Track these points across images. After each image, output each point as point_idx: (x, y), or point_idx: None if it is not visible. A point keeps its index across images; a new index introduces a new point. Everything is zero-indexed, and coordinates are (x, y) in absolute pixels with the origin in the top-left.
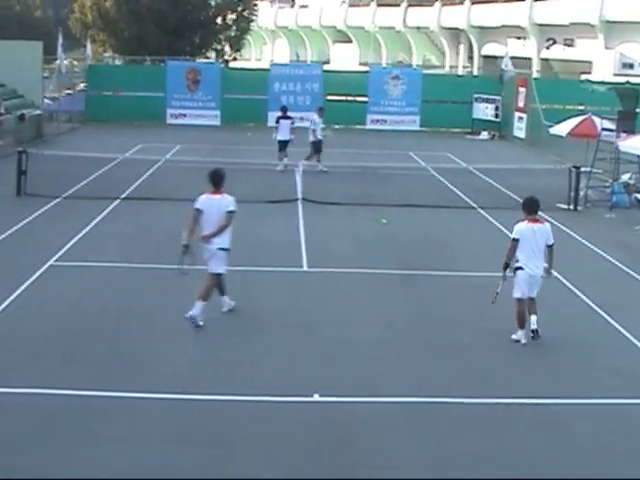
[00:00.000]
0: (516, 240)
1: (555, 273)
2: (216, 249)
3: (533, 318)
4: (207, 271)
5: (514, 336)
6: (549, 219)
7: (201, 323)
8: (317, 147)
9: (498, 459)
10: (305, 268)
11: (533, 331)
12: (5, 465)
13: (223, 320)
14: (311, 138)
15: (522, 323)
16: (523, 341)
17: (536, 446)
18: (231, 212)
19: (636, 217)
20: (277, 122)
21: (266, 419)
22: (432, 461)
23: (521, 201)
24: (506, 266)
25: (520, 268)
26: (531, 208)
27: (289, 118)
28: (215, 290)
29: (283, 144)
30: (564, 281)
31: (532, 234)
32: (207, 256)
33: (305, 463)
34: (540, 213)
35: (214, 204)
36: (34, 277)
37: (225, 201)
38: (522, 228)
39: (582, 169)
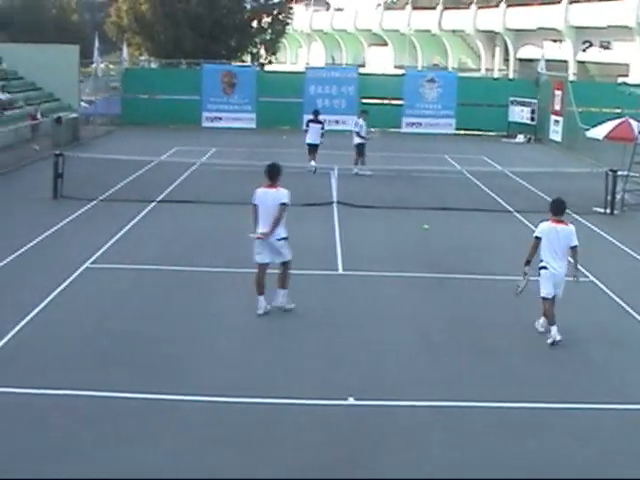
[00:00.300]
0: (538, 238)
1: (591, 277)
2: (275, 240)
3: (541, 321)
4: (277, 262)
5: (549, 340)
6: (585, 222)
7: (293, 305)
8: (361, 150)
9: (535, 464)
10: (340, 271)
11: (539, 330)
12: (40, 468)
13: (258, 323)
14: (356, 141)
15: (552, 320)
16: (558, 338)
17: (573, 451)
18: (284, 204)
19: None
20: (307, 125)
21: (300, 422)
22: (467, 465)
23: None
24: (527, 263)
25: (544, 267)
26: (557, 209)
27: (319, 122)
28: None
29: (312, 147)
30: (600, 285)
31: (555, 234)
32: (268, 249)
33: (340, 467)
34: (576, 216)
35: (269, 197)
36: (70, 279)
37: (279, 194)
38: (545, 228)
39: (619, 172)
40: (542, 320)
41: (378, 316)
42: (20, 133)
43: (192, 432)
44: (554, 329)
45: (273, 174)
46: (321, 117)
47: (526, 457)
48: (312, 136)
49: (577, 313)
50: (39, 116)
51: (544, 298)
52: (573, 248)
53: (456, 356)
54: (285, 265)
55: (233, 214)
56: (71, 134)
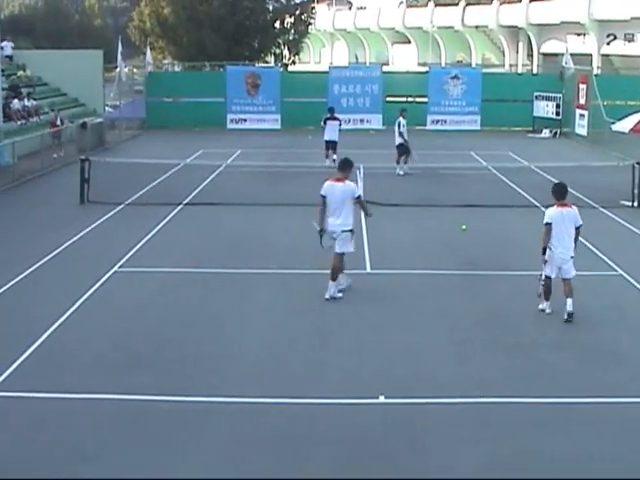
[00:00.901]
0: (549, 224)
1: (620, 270)
2: (340, 231)
3: (569, 301)
4: (334, 252)
5: (540, 306)
6: (613, 216)
7: (340, 295)
8: (405, 149)
9: (566, 459)
10: (368, 270)
11: (568, 314)
12: (70, 471)
13: (288, 324)
14: (398, 141)
15: (548, 296)
16: (548, 311)
17: (604, 447)
18: (359, 197)
19: None
20: (324, 123)
21: (331, 422)
22: (499, 462)
23: (584, 198)
24: (544, 251)
25: (549, 249)
26: (560, 194)
27: (336, 119)
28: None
29: (331, 144)
30: (629, 278)
31: (561, 218)
32: (334, 238)
33: (372, 465)
34: (604, 210)
35: (337, 191)
36: (99, 284)
37: (348, 188)
38: (552, 213)
39: None
40: (545, 303)
41: (407, 314)
42: (45, 139)
43: (223, 434)
44: (547, 303)
45: (343, 167)
46: (348, 116)
47: (557, 452)
48: (330, 133)
49: (606, 307)
50: (59, 122)
51: (547, 277)
52: (578, 228)
53: (486, 352)
54: (338, 256)
55: (260, 215)
56: (97, 139)
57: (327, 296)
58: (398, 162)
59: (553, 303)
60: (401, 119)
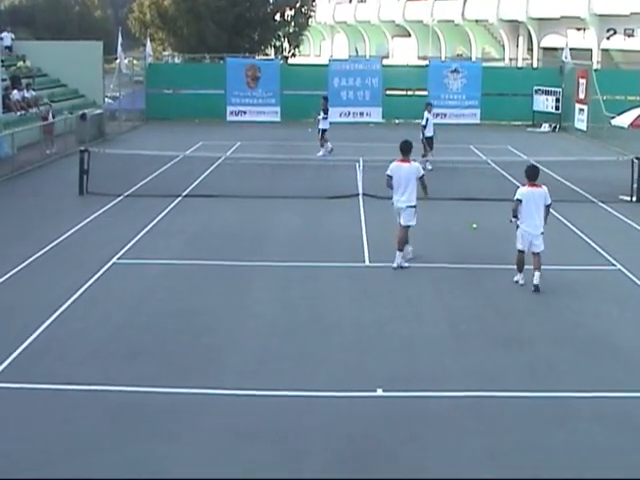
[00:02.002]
0: (519, 200)
1: (618, 265)
2: (405, 206)
3: (537, 274)
4: (400, 224)
5: (515, 278)
6: (612, 211)
7: (407, 264)
8: (429, 143)
9: (565, 454)
10: (367, 263)
11: (535, 286)
12: (72, 465)
13: (286, 316)
14: (423, 134)
15: (520, 268)
16: (521, 282)
17: (603, 441)
18: (422, 176)
19: None
20: (325, 113)
21: (329, 414)
22: (497, 456)
23: (583, 192)
24: (514, 216)
25: (519, 226)
26: (532, 175)
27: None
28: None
29: (326, 132)
30: (627, 273)
31: (532, 196)
32: (399, 212)
33: (369, 458)
34: (602, 205)
35: (402, 171)
36: (97, 275)
37: (412, 168)
38: (523, 191)
39: None
40: (519, 275)
41: (407, 307)
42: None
43: (220, 426)
44: (520, 275)
45: (405, 149)
46: (348, 109)
47: (555, 446)
48: (327, 122)
49: (604, 301)
50: (51, 117)
51: (519, 250)
52: (547, 207)
53: (485, 346)
54: (404, 228)
55: (259, 207)
56: (96, 130)
57: (395, 265)
58: (424, 156)
59: (550, 298)
60: (425, 113)
